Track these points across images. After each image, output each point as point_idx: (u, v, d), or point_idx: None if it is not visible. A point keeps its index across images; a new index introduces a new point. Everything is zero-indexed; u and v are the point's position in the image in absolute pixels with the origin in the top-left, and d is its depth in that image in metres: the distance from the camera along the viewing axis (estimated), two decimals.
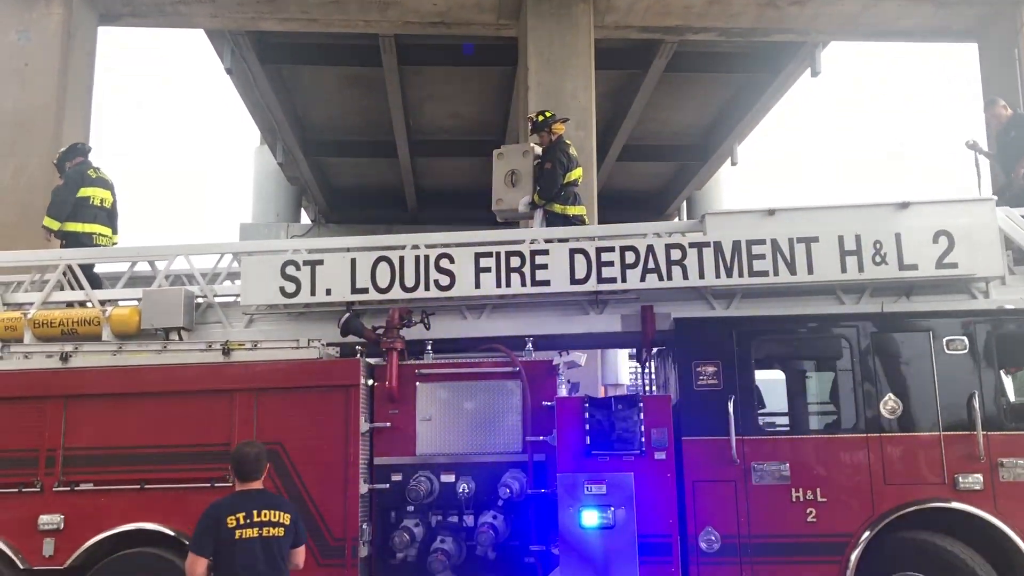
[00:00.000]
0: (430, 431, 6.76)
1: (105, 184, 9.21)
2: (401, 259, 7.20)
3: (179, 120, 70.55)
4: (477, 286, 7.11)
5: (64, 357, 6.87)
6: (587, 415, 6.43)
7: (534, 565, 6.50)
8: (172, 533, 6.50)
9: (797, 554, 6.22)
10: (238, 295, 7.60)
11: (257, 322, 7.53)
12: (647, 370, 8.01)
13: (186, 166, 66.75)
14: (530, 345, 6.88)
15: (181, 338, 7.35)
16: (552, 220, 8.60)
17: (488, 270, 7.11)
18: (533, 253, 7.12)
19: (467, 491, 6.53)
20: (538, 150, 9.02)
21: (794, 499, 6.30)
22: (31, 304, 7.64)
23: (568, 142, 9.06)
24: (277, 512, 4.83)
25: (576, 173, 8.94)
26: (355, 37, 16.18)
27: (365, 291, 7.19)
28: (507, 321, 7.31)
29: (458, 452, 6.70)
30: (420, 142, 21.55)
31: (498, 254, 7.14)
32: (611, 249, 7.02)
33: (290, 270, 7.25)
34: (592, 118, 12.90)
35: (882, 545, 6.13)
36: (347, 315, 7.00)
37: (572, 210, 8.73)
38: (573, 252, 7.09)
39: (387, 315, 6.93)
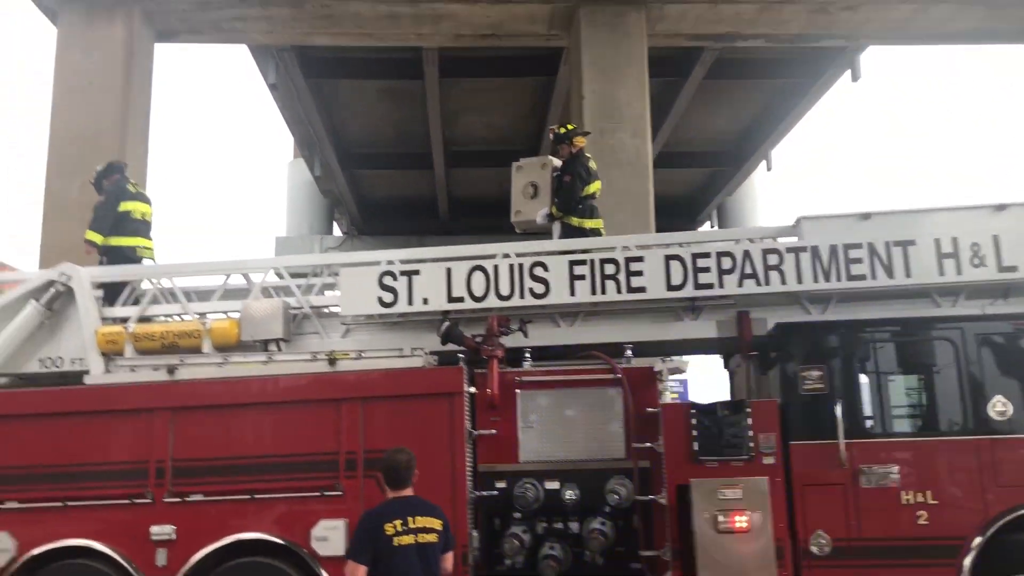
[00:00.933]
0: (532, 438, 6.82)
1: (144, 198, 9.35)
2: (495, 268, 7.29)
3: (208, 134, 71.13)
4: (572, 294, 7.19)
5: (171, 370, 6.98)
6: (694, 421, 6.49)
7: (642, 571, 6.54)
8: (283, 542, 6.56)
9: (909, 557, 6.23)
10: (326, 306, 7.73)
11: (353, 332, 7.62)
12: (734, 377, 8.04)
13: (216, 180, 67.31)
14: (629, 352, 6.93)
15: (280, 349, 7.45)
16: (568, 232, 8.62)
17: (582, 277, 7.19)
18: (627, 260, 7.18)
19: (573, 497, 6.59)
20: (557, 163, 9.04)
21: (904, 502, 6.32)
22: (128, 318, 7.75)
23: (588, 155, 9.07)
24: (430, 518, 4.88)
25: (595, 186, 8.92)
26: (396, 51, 16.38)
27: (461, 300, 7.28)
28: (600, 328, 7.39)
29: (561, 459, 6.75)
30: (454, 153, 21.73)
31: (592, 262, 7.22)
32: (707, 255, 7.08)
33: (387, 280, 7.35)
34: (647, 125, 13.00)
35: (996, 548, 6.14)
36: (447, 324, 7.08)
37: (589, 223, 8.75)
38: (668, 259, 7.15)
39: (485, 323, 7.00)
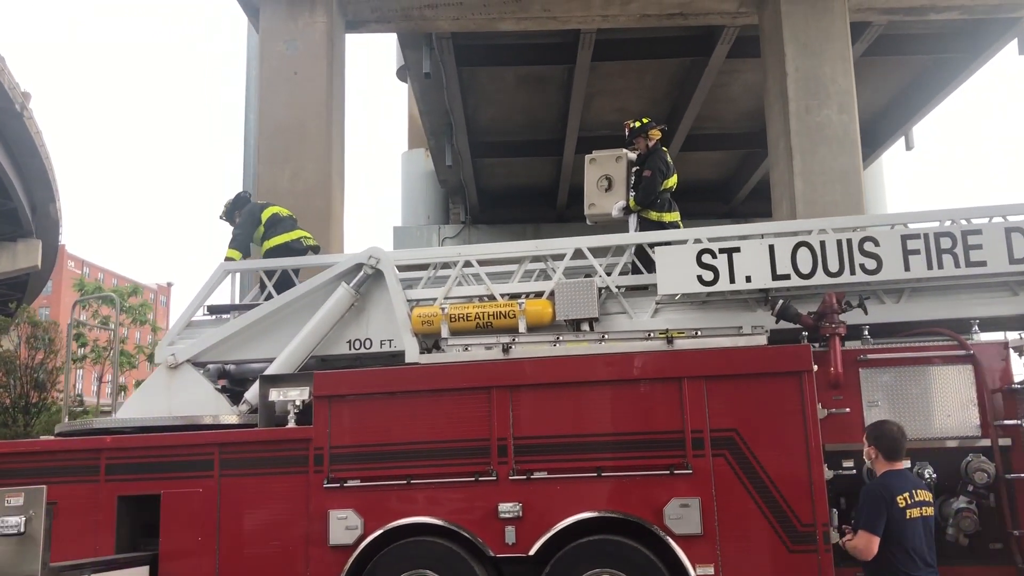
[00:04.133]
0: (878, 416, 6.65)
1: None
2: (822, 244, 7.15)
3: None
4: (906, 269, 7.02)
5: (505, 349, 7.00)
6: None
7: (1002, 552, 6.38)
8: (637, 521, 6.54)
9: None
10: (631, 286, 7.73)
11: (662, 311, 7.58)
12: None
13: None
14: (976, 327, 6.76)
15: (592, 328, 7.44)
16: (646, 226, 8.57)
17: (916, 252, 7.02)
18: (964, 234, 6.99)
19: (930, 476, 6.45)
20: (632, 156, 8.96)
21: None
22: (431, 300, 7.82)
23: (665, 149, 9.01)
24: (925, 492, 4.84)
25: (672, 180, 8.87)
26: (549, 35, 16.34)
27: (787, 277, 7.16)
28: (927, 304, 7.21)
29: (912, 438, 6.58)
30: (582, 139, 21.67)
31: (926, 236, 7.04)
32: None
33: (706, 259, 7.27)
34: (854, 101, 12.75)
35: None
36: (782, 302, 6.99)
37: (668, 216, 8.73)
38: (1009, 231, 6.95)
39: (821, 301, 6.89)
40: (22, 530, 5.62)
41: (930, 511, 4.81)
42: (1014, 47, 16.92)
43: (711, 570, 6.36)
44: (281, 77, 12.76)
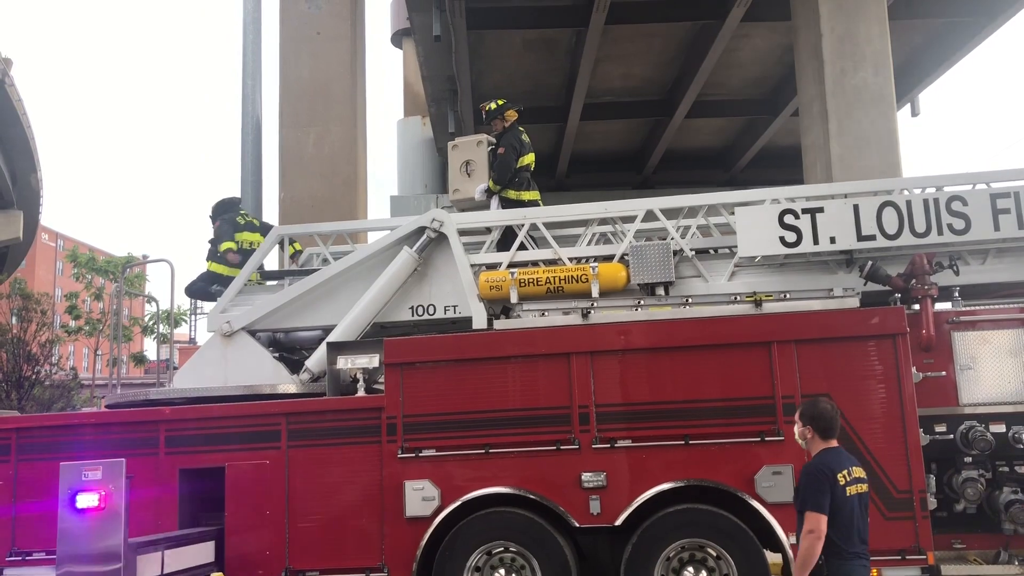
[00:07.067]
0: (972, 380, 6.54)
1: (252, 228, 9.45)
2: (908, 203, 6.94)
3: None
4: (996, 228, 6.83)
5: (585, 314, 6.73)
6: None
7: None
8: (729, 490, 6.34)
9: None
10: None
11: (738, 275, 7.34)
12: None
13: None
14: None
15: (667, 292, 7.19)
16: (507, 206, 8.52)
17: (1007, 211, 6.83)
18: None
19: None
20: (492, 140, 8.96)
21: None
22: (496, 264, 7.52)
23: (521, 128, 8.98)
24: (860, 468, 4.79)
25: (529, 158, 8.91)
26: None
27: (872, 238, 6.94)
28: (1015, 265, 7.04)
29: (1008, 401, 6.47)
30: (588, 105, 21.33)
31: (1017, 194, 6.85)
32: None
33: (788, 219, 7.03)
34: (889, 63, 12.54)
35: None
36: (871, 263, 6.78)
37: (526, 195, 8.72)
38: None
39: (909, 262, 6.69)
40: (101, 504, 5.29)
41: (865, 488, 4.73)
42: None
43: None
44: (303, 37, 12.27)
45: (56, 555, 5.53)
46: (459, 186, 8.87)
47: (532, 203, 8.68)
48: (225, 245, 9.09)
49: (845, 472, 4.70)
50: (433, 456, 6.62)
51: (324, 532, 6.63)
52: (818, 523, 4.61)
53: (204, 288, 9.11)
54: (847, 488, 4.66)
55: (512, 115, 8.95)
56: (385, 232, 7.85)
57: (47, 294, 29.73)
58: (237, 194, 10.26)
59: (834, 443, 4.88)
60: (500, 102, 9.08)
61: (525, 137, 8.95)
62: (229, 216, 9.40)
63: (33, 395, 23.60)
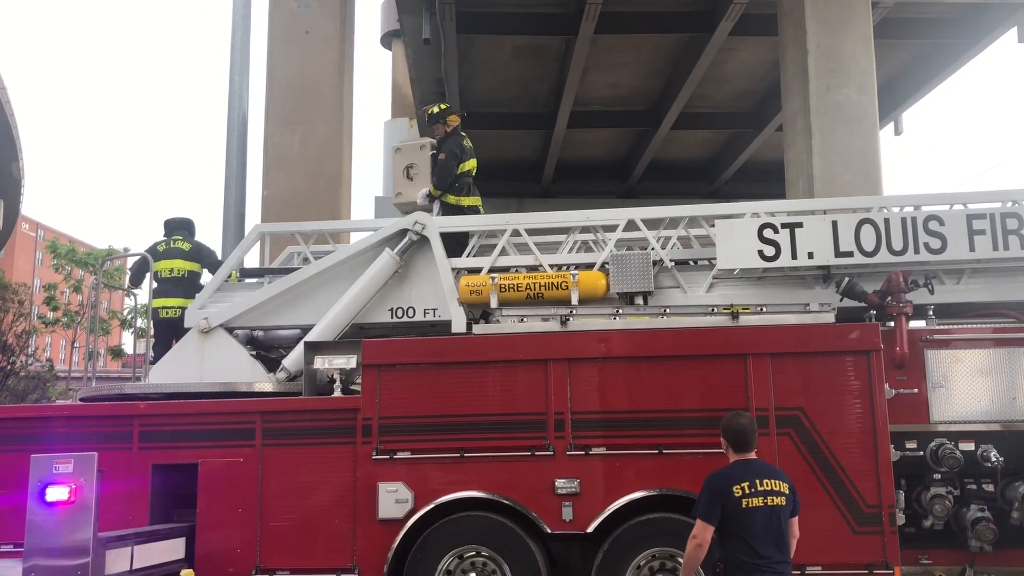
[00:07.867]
0: (943, 398, 6.62)
1: (172, 255, 8.88)
2: (887, 221, 7.02)
3: None
4: (971, 249, 6.92)
5: (563, 320, 6.76)
6: None
7: None
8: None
9: None
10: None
11: (716, 287, 7.40)
12: None
13: None
14: None
15: (646, 302, 7.24)
16: (447, 211, 8.54)
17: (983, 232, 6.93)
18: None
19: (996, 459, 6.40)
20: (435, 143, 8.98)
21: None
22: (477, 269, 7.53)
23: (463, 134, 9.03)
24: (777, 481, 4.78)
25: (470, 164, 8.92)
26: (551, 5, 16.01)
27: (850, 254, 7.02)
28: (988, 285, 7.14)
29: (978, 419, 6.56)
30: (575, 113, 21.42)
31: (992, 216, 6.95)
32: None
33: (768, 233, 7.10)
34: (873, 81, 12.68)
35: None
36: (848, 279, 6.86)
37: (467, 201, 8.73)
38: None
39: (885, 279, 6.78)
40: (71, 498, 5.25)
41: (779, 500, 4.70)
42: (1013, 35, 17.03)
43: None
44: (292, 36, 12.24)
45: (24, 548, 5.47)
46: (402, 190, 8.86)
47: (472, 208, 8.71)
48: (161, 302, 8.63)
49: (745, 484, 4.71)
50: (408, 458, 6.62)
51: (296, 531, 6.61)
52: (702, 531, 4.71)
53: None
54: (744, 500, 4.68)
55: (454, 120, 8.96)
56: (368, 233, 7.85)
57: (25, 284, 29.45)
58: (187, 214, 9.74)
59: (750, 455, 4.93)
60: (443, 106, 9.06)
61: (467, 142, 8.95)
62: (152, 247, 8.97)
63: (7, 386, 23.34)
